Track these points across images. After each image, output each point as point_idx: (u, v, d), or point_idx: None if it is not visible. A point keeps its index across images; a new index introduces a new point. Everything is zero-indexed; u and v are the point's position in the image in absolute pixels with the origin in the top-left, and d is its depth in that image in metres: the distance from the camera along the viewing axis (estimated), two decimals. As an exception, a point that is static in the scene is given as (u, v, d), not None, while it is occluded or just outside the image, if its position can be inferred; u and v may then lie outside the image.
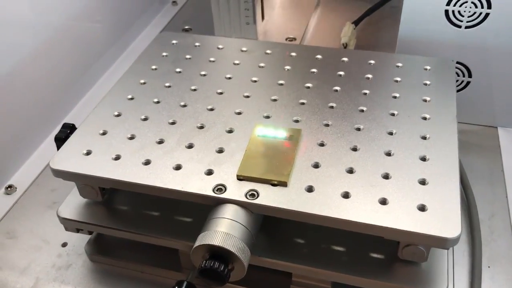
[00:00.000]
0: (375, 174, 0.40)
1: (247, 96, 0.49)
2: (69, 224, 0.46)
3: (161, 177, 0.41)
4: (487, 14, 0.55)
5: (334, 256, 0.41)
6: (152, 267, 0.48)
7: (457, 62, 0.59)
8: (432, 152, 0.42)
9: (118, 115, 0.48)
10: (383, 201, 0.38)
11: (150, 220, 0.45)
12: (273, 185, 0.40)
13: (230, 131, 0.45)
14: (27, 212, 0.56)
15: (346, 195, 0.38)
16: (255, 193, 0.39)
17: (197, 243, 0.38)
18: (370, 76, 0.51)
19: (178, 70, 0.53)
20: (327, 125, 0.45)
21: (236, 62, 0.55)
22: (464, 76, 0.61)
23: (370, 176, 0.40)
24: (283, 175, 0.40)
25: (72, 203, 0.46)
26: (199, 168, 0.41)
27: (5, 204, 0.57)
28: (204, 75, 0.53)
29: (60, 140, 0.46)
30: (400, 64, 0.52)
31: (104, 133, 0.46)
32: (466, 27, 0.56)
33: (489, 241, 0.50)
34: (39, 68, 0.63)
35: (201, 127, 0.46)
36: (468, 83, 0.61)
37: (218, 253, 0.37)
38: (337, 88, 0.50)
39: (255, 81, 0.52)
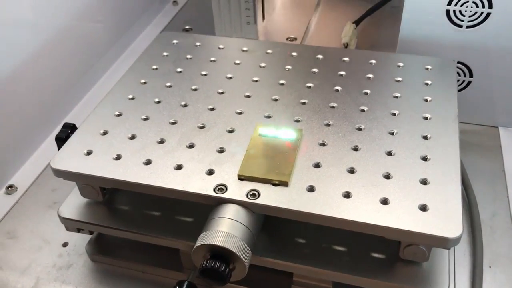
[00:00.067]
0: (376, 174, 0.40)
1: (248, 96, 0.49)
2: (70, 224, 0.46)
3: (162, 177, 0.41)
4: (488, 14, 0.55)
5: (335, 256, 0.41)
6: (153, 267, 0.48)
7: (458, 62, 0.59)
8: (433, 152, 0.42)
9: (119, 115, 0.48)
10: (384, 201, 0.38)
11: (151, 220, 0.45)
12: (274, 185, 0.40)
13: (231, 131, 0.45)
14: (27, 212, 0.56)
15: (347, 195, 0.38)
16: (256, 193, 0.39)
17: (198, 243, 0.38)
18: (371, 75, 0.51)
19: (178, 70, 0.53)
20: (328, 125, 0.45)
21: (237, 62, 0.54)
22: (465, 76, 0.60)
23: (371, 176, 0.40)
24: (284, 175, 0.40)
25: (73, 203, 0.46)
26: (200, 168, 0.41)
27: (6, 204, 0.57)
28: (205, 75, 0.53)
29: (61, 140, 0.46)
30: (401, 64, 0.52)
31: (105, 133, 0.46)
32: (467, 27, 0.56)
33: (491, 241, 0.50)
34: (39, 68, 0.63)
35: (202, 127, 0.46)
36: (469, 83, 0.61)
37: (219, 253, 0.37)
38: (338, 88, 0.50)
39: (256, 81, 0.51)
